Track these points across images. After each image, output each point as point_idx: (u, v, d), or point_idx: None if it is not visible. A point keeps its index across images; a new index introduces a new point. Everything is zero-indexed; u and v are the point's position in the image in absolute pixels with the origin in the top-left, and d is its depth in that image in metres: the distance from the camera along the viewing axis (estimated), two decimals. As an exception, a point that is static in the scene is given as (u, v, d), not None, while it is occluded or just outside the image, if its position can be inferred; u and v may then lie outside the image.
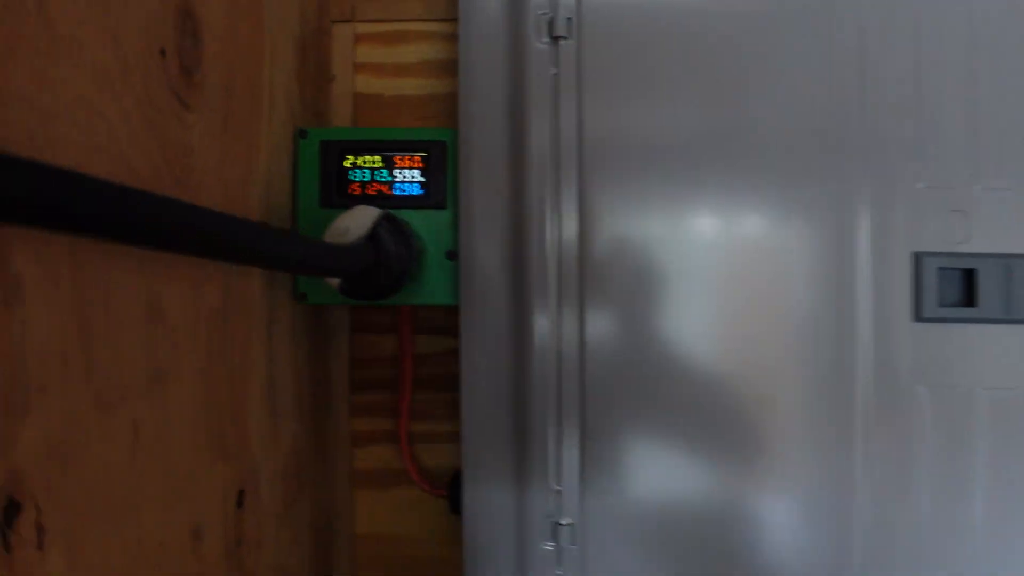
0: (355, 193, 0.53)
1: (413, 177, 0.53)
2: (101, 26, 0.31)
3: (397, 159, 0.53)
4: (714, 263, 0.50)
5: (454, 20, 0.60)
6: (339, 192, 0.53)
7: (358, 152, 0.53)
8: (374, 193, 0.53)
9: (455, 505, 0.60)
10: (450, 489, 0.61)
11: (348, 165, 0.53)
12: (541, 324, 0.51)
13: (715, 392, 0.51)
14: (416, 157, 0.53)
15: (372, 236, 0.46)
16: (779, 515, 0.51)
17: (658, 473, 0.51)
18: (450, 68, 0.62)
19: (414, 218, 0.53)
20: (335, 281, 0.46)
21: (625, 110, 0.50)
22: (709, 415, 0.51)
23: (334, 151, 0.53)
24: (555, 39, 0.50)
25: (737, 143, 0.50)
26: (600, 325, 0.51)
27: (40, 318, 0.27)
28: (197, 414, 0.39)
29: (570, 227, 0.50)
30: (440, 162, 0.53)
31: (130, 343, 0.33)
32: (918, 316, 0.49)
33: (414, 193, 0.53)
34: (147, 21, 0.34)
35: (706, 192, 0.50)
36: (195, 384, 0.39)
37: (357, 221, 0.46)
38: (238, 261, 0.32)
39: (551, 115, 0.50)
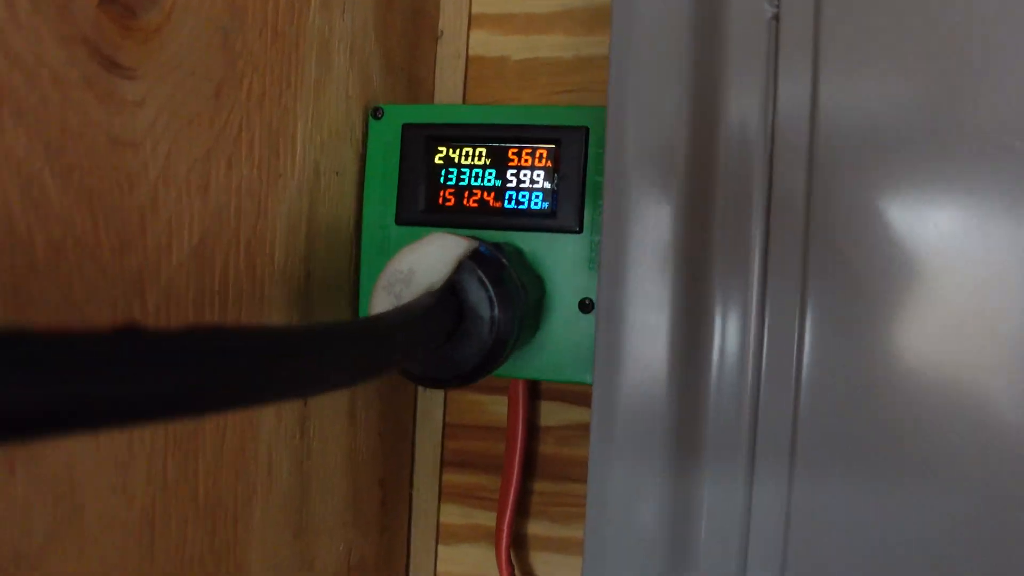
0: (448, 204, 0.35)
1: (536, 182, 0.34)
2: None
3: (512, 154, 0.34)
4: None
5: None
6: (426, 203, 0.35)
7: (456, 142, 0.35)
8: (475, 205, 0.35)
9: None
10: (569, 628, 0.42)
11: (440, 161, 0.35)
12: (719, 398, 0.31)
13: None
14: (541, 152, 0.34)
15: (453, 287, 0.28)
16: None
17: None
18: (608, 18, 0.42)
19: (535, 246, 0.34)
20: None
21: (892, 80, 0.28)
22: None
23: (419, 139, 0.35)
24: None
25: None
26: (826, 373, 0.30)
27: None
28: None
29: (790, 274, 0.29)
30: (578, 160, 0.33)
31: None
32: None
33: (536, 208, 0.34)
34: None
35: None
36: (125, 537, 0.23)
37: (428, 260, 0.28)
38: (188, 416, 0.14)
39: (764, 87, 0.29)
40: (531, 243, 0.34)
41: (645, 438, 0.32)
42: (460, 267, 0.28)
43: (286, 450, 0.31)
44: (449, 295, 0.27)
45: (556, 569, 0.45)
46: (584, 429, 0.44)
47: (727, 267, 0.30)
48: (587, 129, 0.33)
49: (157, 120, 0.23)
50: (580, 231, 0.33)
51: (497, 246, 0.31)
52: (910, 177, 0.28)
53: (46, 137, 0.20)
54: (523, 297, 0.30)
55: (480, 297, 0.28)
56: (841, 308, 0.29)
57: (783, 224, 0.29)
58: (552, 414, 0.44)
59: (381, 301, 0.28)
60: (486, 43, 0.44)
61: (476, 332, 0.28)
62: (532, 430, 0.44)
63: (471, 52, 0.45)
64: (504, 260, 0.30)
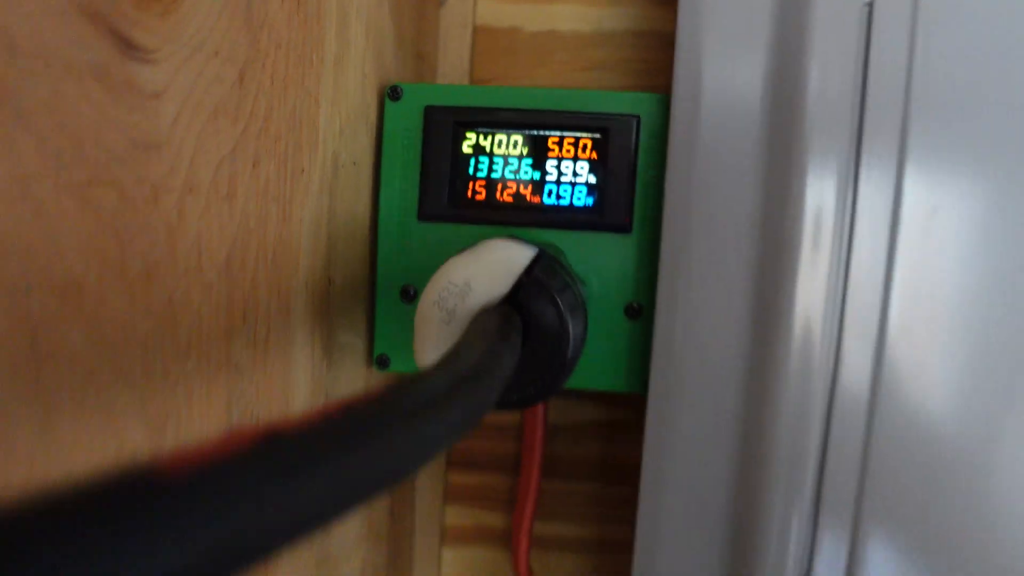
0: (478, 198, 0.31)
1: (579, 175, 0.31)
2: None
3: (553, 143, 0.31)
4: None
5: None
6: (451, 196, 0.32)
7: (487, 127, 0.31)
8: (509, 200, 0.31)
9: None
10: (586, 635, 0.41)
11: (468, 150, 0.31)
12: (792, 415, 0.29)
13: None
14: (586, 142, 0.31)
15: (518, 299, 0.25)
16: None
17: None
18: (630, -13, 0.39)
19: (576, 247, 0.31)
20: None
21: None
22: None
23: (445, 124, 0.31)
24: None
25: None
26: (905, 412, 0.28)
27: None
28: None
29: (870, 252, 0.28)
30: (628, 152, 0.30)
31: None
32: None
33: (579, 204, 0.31)
34: None
35: None
36: None
37: (491, 271, 0.24)
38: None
39: (854, 72, 0.27)
40: (573, 243, 0.31)
41: (704, 455, 0.29)
42: (526, 279, 0.24)
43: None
44: (515, 312, 0.24)
45: (566, 569, 0.43)
46: (596, 427, 0.42)
47: (803, 269, 0.28)
48: (638, 118, 0.30)
49: (180, 115, 0.19)
50: (629, 231, 0.30)
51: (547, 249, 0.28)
52: (998, 152, 0.26)
53: (57, 145, 0.15)
54: (586, 307, 0.27)
55: (550, 312, 0.25)
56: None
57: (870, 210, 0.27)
58: (563, 412, 0.42)
59: (431, 316, 0.25)
60: (496, 11, 0.40)
61: (548, 351, 0.25)
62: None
63: (478, 21, 0.41)
64: (567, 267, 0.27)
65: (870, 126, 0.27)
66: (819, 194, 0.28)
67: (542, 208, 0.31)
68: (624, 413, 0.42)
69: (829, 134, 0.27)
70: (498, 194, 0.31)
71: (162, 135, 0.18)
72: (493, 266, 0.24)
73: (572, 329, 0.25)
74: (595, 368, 0.31)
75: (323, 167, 0.27)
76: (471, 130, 0.31)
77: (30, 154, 0.15)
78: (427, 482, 0.43)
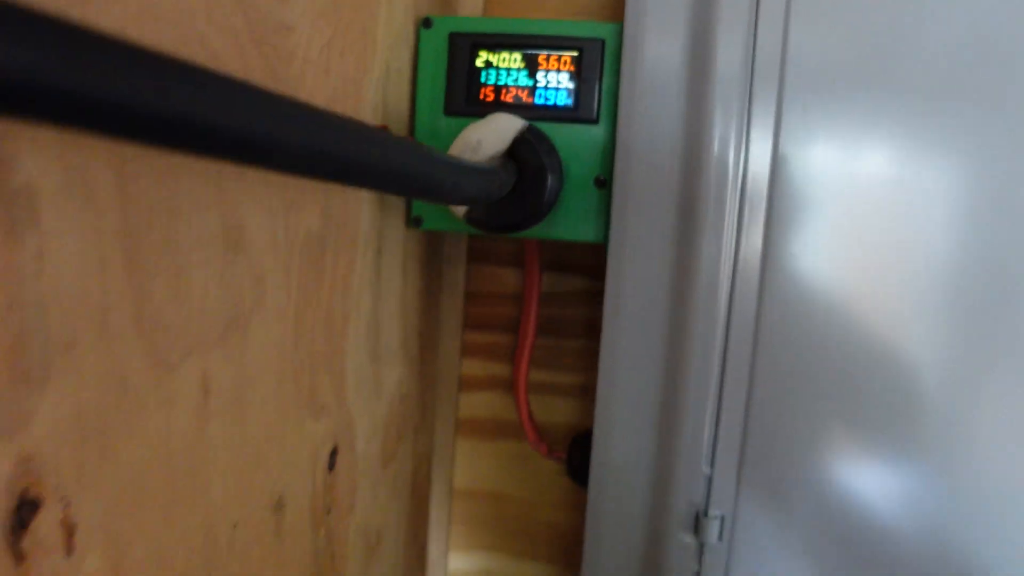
0: (487, 99, 0.43)
1: (560, 83, 0.42)
2: None
3: (542, 59, 0.42)
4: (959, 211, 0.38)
5: None
6: (468, 97, 0.43)
7: (494, 48, 0.43)
8: (511, 100, 0.43)
9: (574, 472, 0.52)
10: (570, 452, 0.53)
11: (481, 64, 0.43)
12: (708, 271, 0.40)
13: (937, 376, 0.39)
14: (566, 58, 0.42)
15: (514, 154, 0.36)
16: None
17: (840, 471, 0.41)
18: (609, -51, 0.50)
19: (558, 134, 0.42)
20: (461, 208, 0.37)
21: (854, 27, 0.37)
22: (921, 402, 0.40)
23: (464, 46, 0.43)
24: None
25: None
26: (785, 276, 0.40)
27: (66, 249, 0.19)
28: (284, 363, 0.32)
29: (759, 160, 0.39)
30: (596, 66, 0.42)
31: (200, 280, 0.25)
32: None
33: (560, 103, 0.42)
34: None
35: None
36: (283, 327, 0.31)
37: (494, 133, 0.36)
38: (347, 181, 0.23)
39: (747, 28, 0.38)
40: (556, 131, 0.42)
41: (646, 287, 0.41)
42: (519, 138, 0.36)
43: (368, 286, 0.40)
44: (511, 161, 0.36)
45: (549, 410, 0.55)
46: (583, 294, 0.54)
47: (717, 161, 0.39)
48: (604, 41, 0.42)
49: (304, 12, 0.31)
50: (597, 122, 0.42)
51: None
52: (857, 110, 0.38)
53: (246, 16, 0.27)
54: (563, 169, 0.39)
55: (536, 164, 0.36)
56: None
57: (760, 123, 0.39)
58: (555, 283, 0.54)
59: (453, 165, 0.36)
60: (505, -32, 0.52)
61: (533, 191, 0.36)
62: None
63: (491, -24, 0.52)
64: (551, 143, 0.39)
65: (759, 68, 0.38)
66: (726, 102, 0.39)
67: (533, 106, 0.43)
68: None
69: (730, 69, 0.39)
70: (502, 96, 0.43)
71: (294, 22, 0.30)
72: (497, 129, 0.36)
73: (550, 176, 0.37)
74: (575, 224, 0.43)
75: (379, 70, 0.39)
76: (483, 49, 0.43)
77: (238, 16, 0.26)
78: (448, 340, 0.55)
